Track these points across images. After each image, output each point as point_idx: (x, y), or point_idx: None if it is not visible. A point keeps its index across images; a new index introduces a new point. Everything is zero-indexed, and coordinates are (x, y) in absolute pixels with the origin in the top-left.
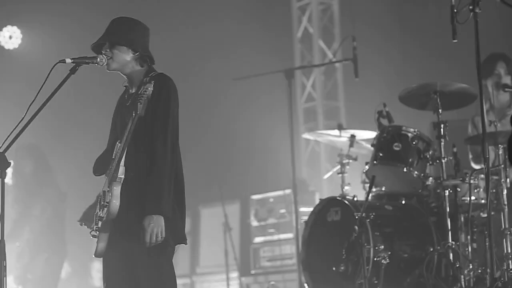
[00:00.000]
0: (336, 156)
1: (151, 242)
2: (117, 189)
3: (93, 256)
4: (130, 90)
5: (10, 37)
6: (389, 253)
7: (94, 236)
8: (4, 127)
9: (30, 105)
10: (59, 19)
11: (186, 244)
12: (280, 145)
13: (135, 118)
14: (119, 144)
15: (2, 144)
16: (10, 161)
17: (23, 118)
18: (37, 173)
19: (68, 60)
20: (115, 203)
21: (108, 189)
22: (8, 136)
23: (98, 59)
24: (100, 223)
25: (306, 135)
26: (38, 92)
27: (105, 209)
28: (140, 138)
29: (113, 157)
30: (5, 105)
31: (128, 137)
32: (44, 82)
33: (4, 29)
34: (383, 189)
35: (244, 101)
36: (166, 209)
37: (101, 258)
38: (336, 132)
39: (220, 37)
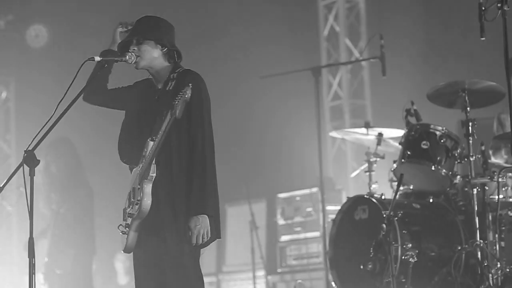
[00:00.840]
0: (362, 154)
1: (197, 243)
2: (148, 187)
3: (122, 251)
4: (157, 86)
5: (36, 36)
6: (417, 251)
7: (123, 232)
8: (32, 125)
9: (59, 103)
10: (85, 17)
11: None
12: (306, 144)
13: (171, 119)
14: (152, 143)
15: (31, 142)
16: (38, 159)
17: (52, 116)
18: (67, 168)
19: (97, 58)
20: (147, 201)
21: (139, 186)
22: (37, 134)
23: (127, 56)
24: (130, 219)
25: (334, 133)
26: (67, 90)
27: (136, 206)
28: (174, 138)
29: (144, 155)
30: (32, 103)
31: (162, 137)
32: (73, 80)
33: (31, 27)
34: (411, 187)
35: (271, 99)
36: (210, 208)
37: (130, 255)
38: (363, 130)
39: (247, 36)
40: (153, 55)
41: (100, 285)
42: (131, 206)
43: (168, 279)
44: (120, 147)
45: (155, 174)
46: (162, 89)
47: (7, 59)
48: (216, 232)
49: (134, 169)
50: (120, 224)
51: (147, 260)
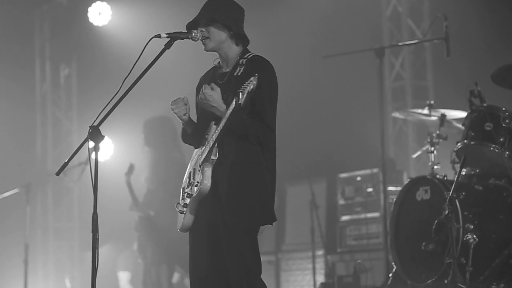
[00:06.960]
0: (424, 135)
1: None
2: (209, 170)
3: (178, 230)
4: (224, 69)
5: (100, 14)
6: (478, 233)
7: (181, 212)
8: (94, 102)
9: (124, 79)
10: None
11: (275, 221)
12: (368, 124)
13: (235, 107)
14: (215, 126)
15: (96, 119)
16: (103, 135)
17: (117, 92)
18: (160, 146)
19: (163, 35)
20: (207, 184)
21: (199, 168)
22: (102, 110)
23: (193, 33)
24: (188, 199)
25: (396, 114)
26: (133, 67)
27: (195, 188)
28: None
29: (207, 138)
30: (94, 80)
31: (225, 123)
32: (139, 57)
33: (94, 5)
34: (473, 169)
35: (333, 79)
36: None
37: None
38: (426, 111)
39: (310, 15)
40: (221, 38)
41: None
42: (190, 187)
43: (225, 255)
44: (190, 133)
45: (216, 157)
46: (230, 72)
47: (69, 37)
48: (270, 216)
49: (196, 150)
50: (178, 203)
51: (204, 238)
